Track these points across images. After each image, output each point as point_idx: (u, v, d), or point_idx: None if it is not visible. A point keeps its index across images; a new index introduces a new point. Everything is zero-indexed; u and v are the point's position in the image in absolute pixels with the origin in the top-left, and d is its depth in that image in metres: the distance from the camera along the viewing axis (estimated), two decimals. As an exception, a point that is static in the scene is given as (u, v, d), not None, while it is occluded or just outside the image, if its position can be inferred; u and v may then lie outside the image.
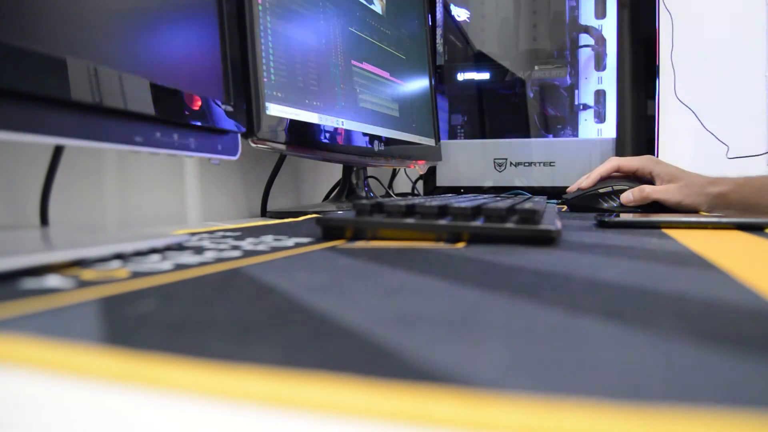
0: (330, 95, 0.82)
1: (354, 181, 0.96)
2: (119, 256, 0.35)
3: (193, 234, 0.51)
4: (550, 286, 0.27)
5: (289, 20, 0.73)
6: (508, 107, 1.35)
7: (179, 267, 0.31)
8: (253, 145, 0.65)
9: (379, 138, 0.94)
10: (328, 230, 0.47)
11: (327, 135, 0.80)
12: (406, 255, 0.37)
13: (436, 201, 0.53)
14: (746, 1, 1.53)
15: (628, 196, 0.89)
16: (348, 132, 0.85)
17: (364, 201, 0.48)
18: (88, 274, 0.29)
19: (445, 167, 1.31)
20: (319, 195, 1.13)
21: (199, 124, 0.49)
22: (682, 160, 1.04)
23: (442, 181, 1.32)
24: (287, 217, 0.78)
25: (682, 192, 0.86)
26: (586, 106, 1.31)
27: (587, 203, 0.94)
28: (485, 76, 1.36)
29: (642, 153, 1.15)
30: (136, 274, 0.29)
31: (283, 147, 0.71)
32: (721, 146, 1.49)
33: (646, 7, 1.26)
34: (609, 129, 1.29)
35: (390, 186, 1.32)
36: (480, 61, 1.36)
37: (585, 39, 1.30)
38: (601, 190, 0.93)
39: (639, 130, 1.26)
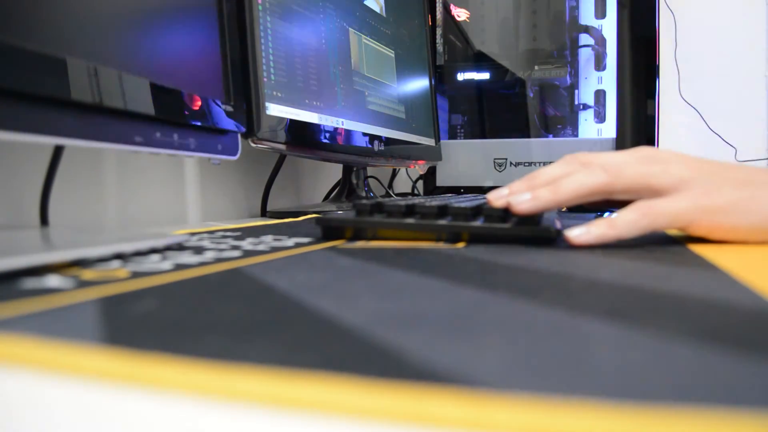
0: (330, 95, 0.82)
1: (354, 181, 0.96)
2: (119, 256, 0.35)
3: (193, 234, 0.51)
4: (550, 286, 0.27)
5: (289, 20, 0.73)
6: (508, 107, 1.35)
7: (179, 267, 0.31)
8: (253, 145, 0.65)
9: (379, 138, 0.94)
10: (328, 230, 0.47)
11: (327, 135, 0.80)
12: (406, 255, 0.37)
13: (436, 201, 0.53)
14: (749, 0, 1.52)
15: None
16: (348, 132, 0.85)
17: (364, 201, 0.48)
18: (88, 274, 0.29)
19: (445, 167, 1.31)
20: (319, 195, 1.13)
21: (199, 124, 0.49)
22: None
23: (442, 181, 1.32)
24: (287, 217, 0.78)
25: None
26: (586, 106, 1.30)
27: None
28: (485, 76, 1.35)
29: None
30: (136, 274, 0.29)
31: (283, 147, 0.71)
32: (728, 148, 1.48)
33: (646, 6, 1.26)
34: (609, 129, 1.29)
35: (390, 186, 1.32)
36: (480, 61, 1.36)
37: (585, 39, 1.29)
38: None
39: (639, 129, 1.26)
